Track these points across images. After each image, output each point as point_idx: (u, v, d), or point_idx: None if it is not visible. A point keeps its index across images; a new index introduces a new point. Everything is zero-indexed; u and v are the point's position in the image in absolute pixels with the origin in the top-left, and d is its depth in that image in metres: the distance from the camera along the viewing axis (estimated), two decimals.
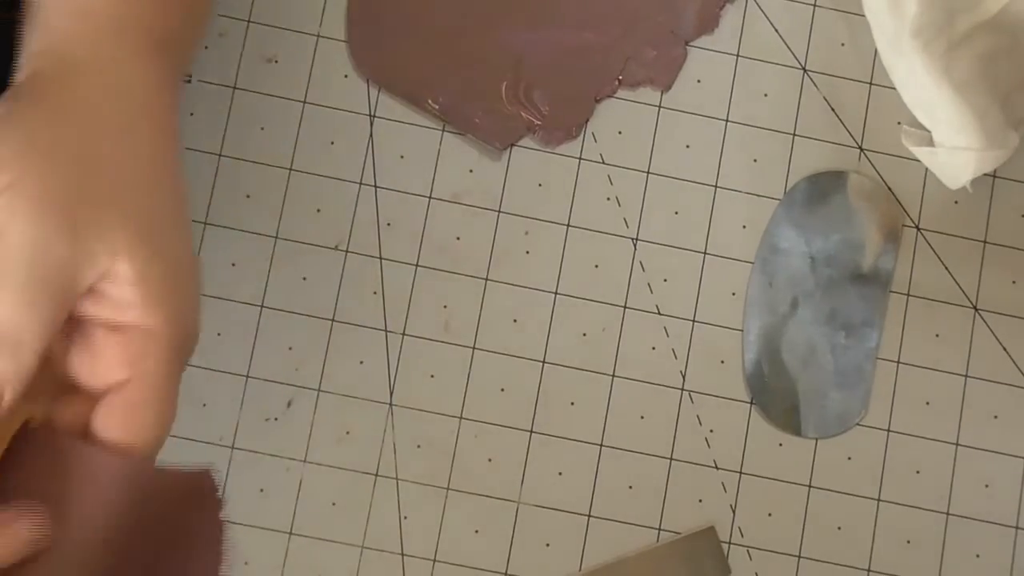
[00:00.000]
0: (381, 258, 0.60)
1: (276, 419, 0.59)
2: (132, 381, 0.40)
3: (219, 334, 0.59)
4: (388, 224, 0.61)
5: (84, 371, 0.41)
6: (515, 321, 0.60)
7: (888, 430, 0.60)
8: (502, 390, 0.60)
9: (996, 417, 0.60)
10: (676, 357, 0.60)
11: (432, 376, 0.60)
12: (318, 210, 0.61)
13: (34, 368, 0.39)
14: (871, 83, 0.62)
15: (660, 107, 0.62)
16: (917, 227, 0.62)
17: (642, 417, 0.60)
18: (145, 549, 0.41)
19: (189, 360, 0.42)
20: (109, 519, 0.40)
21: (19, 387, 0.39)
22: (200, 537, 0.43)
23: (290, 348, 0.60)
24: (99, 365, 0.40)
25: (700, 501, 0.59)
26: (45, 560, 0.38)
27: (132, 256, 0.39)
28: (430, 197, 0.61)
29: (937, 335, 0.61)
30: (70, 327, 0.40)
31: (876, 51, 0.62)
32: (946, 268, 0.61)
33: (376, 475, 0.59)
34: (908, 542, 0.59)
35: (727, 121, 0.62)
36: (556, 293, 0.60)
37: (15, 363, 0.38)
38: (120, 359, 0.40)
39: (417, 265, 0.60)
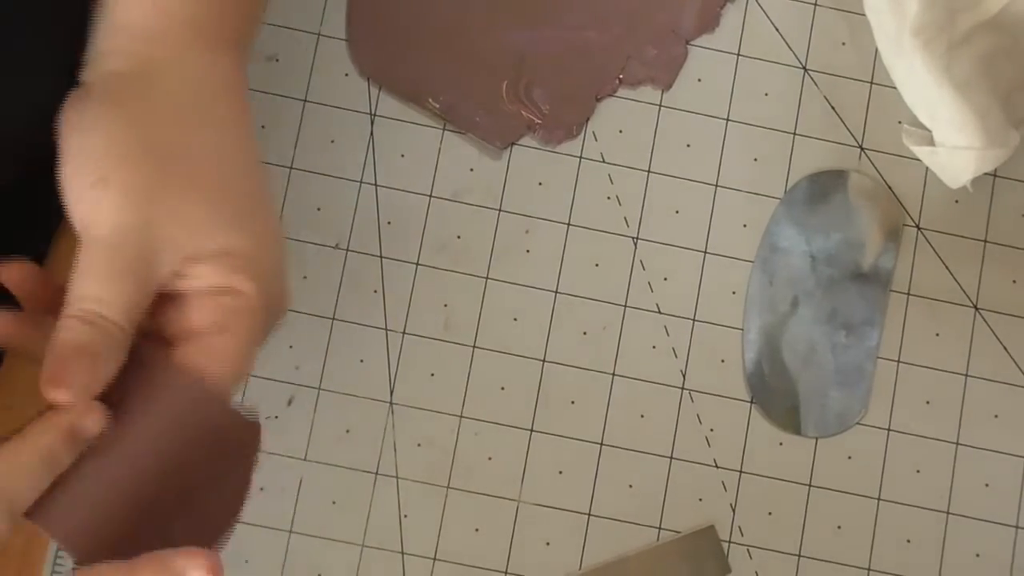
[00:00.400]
0: (382, 257, 0.60)
1: (276, 417, 0.59)
2: (219, 334, 0.43)
3: None
4: (388, 223, 0.61)
5: (172, 326, 0.44)
6: (515, 320, 0.60)
7: (888, 429, 0.60)
8: (502, 389, 0.60)
9: (996, 416, 0.60)
10: (676, 356, 0.60)
11: (432, 375, 0.60)
12: (318, 209, 0.61)
13: (126, 344, 0.42)
14: (872, 82, 0.62)
15: (661, 106, 0.62)
16: (917, 226, 0.62)
17: (642, 416, 0.60)
18: (184, 473, 0.44)
19: (278, 326, 0.45)
20: (169, 430, 0.43)
21: (113, 361, 0.42)
22: (231, 480, 0.46)
23: (290, 346, 0.60)
24: (188, 322, 0.44)
25: (700, 500, 0.59)
26: (105, 450, 0.42)
27: (216, 235, 0.43)
28: (430, 196, 0.61)
29: (937, 334, 0.61)
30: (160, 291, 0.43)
31: (877, 50, 0.62)
32: (946, 267, 0.61)
33: (376, 473, 0.59)
34: (908, 541, 0.59)
35: (728, 120, 0.62)
36: (556, 292, 0.60)
37: (107, 341, 0.41)
38: (209, 319, 0.43)
39: (417, 264, 0.60)
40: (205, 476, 0.45)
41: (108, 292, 0.41)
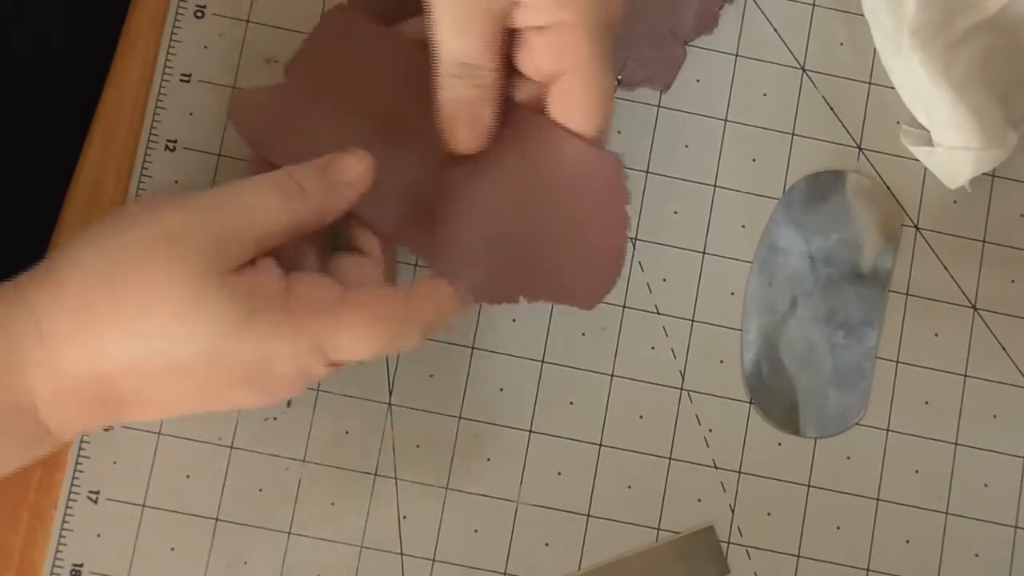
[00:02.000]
0: None
1: (275, 419, 0.59)
2: (563, 73, 0.49)
3: None
4: None
5: (527, 69, 0.50)
6: (513, 320, 0.60)
7: (887, 429, 0.60)
8: (501, 390, 0.60)
9: (995, 417, 0.60)
10: (675, 357, 0.60)
11: (431, 376, 0.60)
12: None
13: (496, 82, 0.49)
14: (870, 82, 0.62)
15: (659, 107, 0.62)
16: (916, 226, 0.62)
17: (641, 417, 0.60)
18: (552, 211, 0.51)
19: (616, 37, 0.50)
20: (537, 174, 0.50)
21: (488, 102, 0.49)
22: (605, 218, 0.52)
23: None
24: (535, 62, 0.49)
25: (699, 501, 0.59)
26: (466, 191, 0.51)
27: None
28: None
29: (936, 335, 0.61)
30: (510, 36, 0.49)
31: (875, 50, 0.62)
32: (945, 268, 0.61)
33: (375, 475, 0.59)
34: (907, 541, 0.59)
35: (726, 121, 0.62)
36: None
37: (480, 85, 0.48)
38: (549, 54, 0.49)
39: (416, 265, 0.60)
40: (572, 215, 0.51)
41: (462, 40, 0.47)
